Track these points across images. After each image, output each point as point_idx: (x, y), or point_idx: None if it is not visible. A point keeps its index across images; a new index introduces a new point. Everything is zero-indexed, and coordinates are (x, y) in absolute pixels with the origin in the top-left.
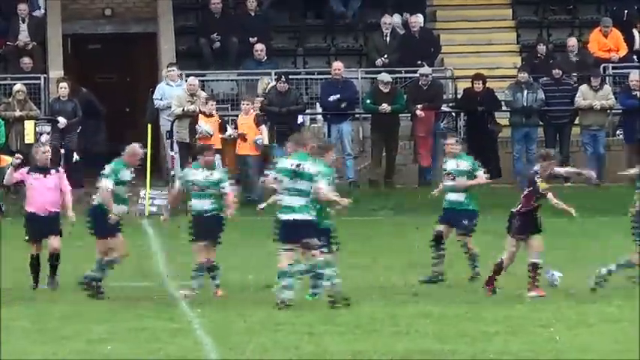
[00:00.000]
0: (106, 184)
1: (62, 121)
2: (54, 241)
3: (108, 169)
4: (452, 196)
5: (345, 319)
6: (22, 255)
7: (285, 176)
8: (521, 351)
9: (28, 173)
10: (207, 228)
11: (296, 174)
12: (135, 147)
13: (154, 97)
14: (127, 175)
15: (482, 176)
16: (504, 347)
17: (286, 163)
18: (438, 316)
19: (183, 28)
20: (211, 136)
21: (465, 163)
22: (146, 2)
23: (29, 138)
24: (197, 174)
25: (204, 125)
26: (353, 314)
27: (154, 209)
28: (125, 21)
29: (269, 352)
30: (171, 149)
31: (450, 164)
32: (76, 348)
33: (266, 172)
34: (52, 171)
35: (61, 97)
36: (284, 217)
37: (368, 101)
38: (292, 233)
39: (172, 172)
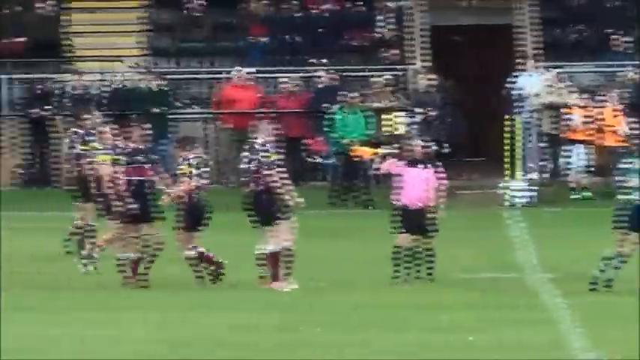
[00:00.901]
0: None
1: (425, 112)
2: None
3: None
4: None
5: None
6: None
7: None
8: None
9: (401, 166)
10: None
11: None
12: None
13: (512, 88)
14: None
15: None
16: None
17: None
18: None
19: (544, 19)
20: (578, 128)
21: None
22: None
23: (393, 129)
24: None
25: (573, 117)
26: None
27: (524, 200)
28: (485, 12)
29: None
30: (530, 141)
31: None
32: (423, 338)
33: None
34: (426, 164)
35: (425, 89)
36: None
37: None
38: None
39: (530, 164)
